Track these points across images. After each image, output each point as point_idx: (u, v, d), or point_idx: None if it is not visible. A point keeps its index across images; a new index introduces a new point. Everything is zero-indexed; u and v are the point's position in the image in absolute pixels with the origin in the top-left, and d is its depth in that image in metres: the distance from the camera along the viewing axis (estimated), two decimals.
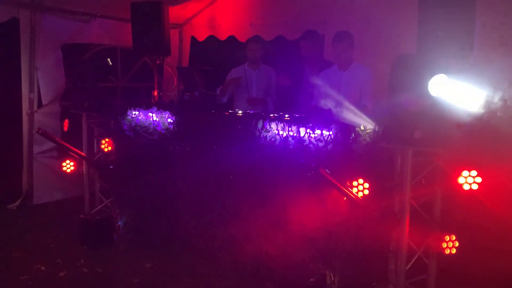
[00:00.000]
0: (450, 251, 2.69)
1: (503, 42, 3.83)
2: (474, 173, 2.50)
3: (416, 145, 2.62)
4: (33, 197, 4.98)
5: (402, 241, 2.77)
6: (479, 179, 2.49)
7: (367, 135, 3.00)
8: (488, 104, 3.00)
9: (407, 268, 2.83)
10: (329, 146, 2.89)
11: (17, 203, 4.91)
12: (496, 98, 3.11)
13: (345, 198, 2.78)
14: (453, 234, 2.65)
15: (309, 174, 2.64)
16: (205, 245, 3.59)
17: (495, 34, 3.85)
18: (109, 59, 4.14)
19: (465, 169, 2.52)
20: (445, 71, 2.74)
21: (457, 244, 2.65)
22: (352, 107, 3.80)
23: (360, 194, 2.77)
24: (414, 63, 2.88)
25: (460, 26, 3.12)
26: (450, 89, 2.57)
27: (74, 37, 5.07)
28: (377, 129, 2.90)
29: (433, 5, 3.22)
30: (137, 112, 3.91)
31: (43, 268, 3.58)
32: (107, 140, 4.04)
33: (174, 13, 5.41)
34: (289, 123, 3.14)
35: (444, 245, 2.67)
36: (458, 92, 2.67)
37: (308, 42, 4.42)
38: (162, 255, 3.77)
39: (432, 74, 2.63)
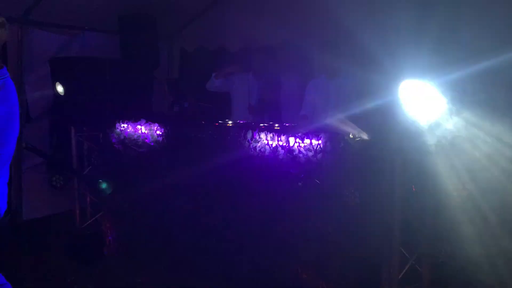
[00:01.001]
0: (443, 259, 2.68)
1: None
2: (465, 180, 2.50)
3: (405, 153, 2.62)
4: (22, 213, 4.91)
5: (394, 249, 2.76)
6: (470, 187, 2.49)
7: (356, 144, 3.00)
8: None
9: (400, 276, 2.82)
10: (319, 155, 2.89)
11: (6, 219, 4.84)
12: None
13: (335, 208, 2.77)
14: (445, 241, 2.65)
15: (300, 184, 2.64)
16: (197, 258, 3.56)
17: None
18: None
19: (456, 176, 2.52)
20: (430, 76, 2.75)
21: (448, 251, 2.64)
22: (340, 116, 3.81)
23: (351, 203, 2.77)
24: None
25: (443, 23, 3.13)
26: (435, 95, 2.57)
27: (62, 50, 5.04)
28: (366, 138, 2.90)
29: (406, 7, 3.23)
30: (125, 125, 3.89)
31: (32, 285, 3.52)
32: (96, 154, 4.01)
33: (163, 24, 5.41)
34: (279, 133, 3.13)
35: (437, 252, 2.66)
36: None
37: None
38: (154, 270, 3.72)
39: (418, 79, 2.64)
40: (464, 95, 2.69)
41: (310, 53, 4.45)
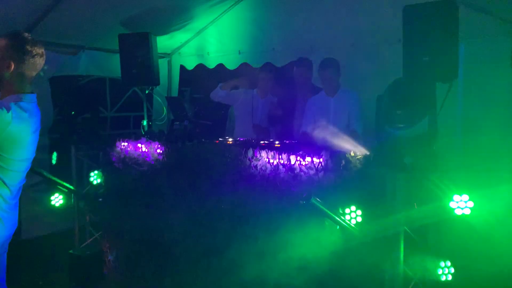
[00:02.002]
0: (446, 278, 2.66)
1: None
2: (465, 197, 2.50)
3: (406, 170, 2.62)
4: (21, 232, 4.87)
5: (398, 268, 2.74)
6: (471, 204, 2.48)
7: (358, 162, 3.00)
8: None
9: None
10: (320, 174, 2.88)
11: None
12: None
13: (338, 227, 2.75)
14: (448, 260, 2.63)
15: (302, 202, 2.62)
16: (198, 277, 3.52)
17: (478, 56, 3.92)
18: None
19: (457, 194, 2.51)
20: (431, 94, 2.77)
21: (452, 270, 2.62)
22: (342, 133, 3.82)
23: (353, 221, 2.75)
24: (401, 88, 2.91)
25: (445, 51, 3.17)
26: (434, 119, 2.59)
27: (62, 69, 5.06)
28: (367, 155, 2.90)
29: (417, 30, 3.28)
30: (126, 143, 3.88)
31: None
32: (96, 172, 3.99)
33: (162, 43, 5.44)
34: (279, 151, 3.13)
35: (440, 271, 2.64)
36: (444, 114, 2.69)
37: (302, 69, 4.44)
38: None
39: (419, 98, 2.65)
40: None
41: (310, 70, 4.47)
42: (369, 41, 4.50)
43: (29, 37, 2.33)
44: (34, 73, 2.39)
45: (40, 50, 2.34)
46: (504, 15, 3.79)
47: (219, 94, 4.69)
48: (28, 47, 2.30)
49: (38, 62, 2.35)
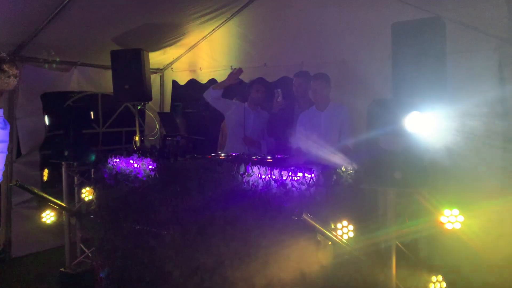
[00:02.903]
0: None
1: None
2: (456, 211, 2.52)
3: (397, 185, 2.63)
4: (11, 250, 4.82)
5: (390, 283, 2.74)
6: (461, 218, 2.50)
7: (349, 177, 3.02)
8: None
9: None
10: (312, 189, 2.89)
11: None
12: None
13: (330, 243, 2.75)
14: (439, 274, 2.64)
15: (294, 218, 2.63)
16: None
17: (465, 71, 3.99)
18: (92, 113, 4.14)
19: (447, 208, 2.53)
20: (420, 109, 2.80)
21: (444, 285, 2.63)
22: (333, 148, 3.84)
23: (345, 236, 2.76)
24: (389, 103, 2.94)
25: (433, 66, 3.23)
26: (425, 126, 2.61)
27: (53, 85, 5.07)
28: (358, 170, 2.92)
29: (406, 46, 3.34)
30: (118, 160, 3.88)
31: None
32: (87, 189, 3.97)
33: (154, 58, 5.48)
34: (271, 167, 3.14)
35: (431, 286, 2.65)
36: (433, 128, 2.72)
37: (301, 80, 4.46)
38: None
39: (407, 112, 2.68)
40: None
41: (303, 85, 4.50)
42: (359, 57, 4.56)
43: (7, 58, 2.42)
44: (4, 91, 2.48)
45: (15, 71, 2.44)
46: (490, 31, 3.86)
47: (211, 94, 4.69)
48: (5, 67, 2.38)
49: (12, 82, 2.43)
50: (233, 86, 4.90)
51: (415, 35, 3.28)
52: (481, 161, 3.65)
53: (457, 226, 2.50)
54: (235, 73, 4.74)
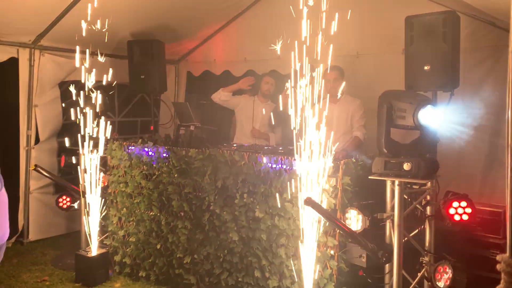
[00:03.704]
0: (445, 282, 2.69)
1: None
2: (464, 204, 2.55)
3: (406, 177, 2.67)
4: (29, 234, 4.96)
5: (397, 273, 2.78)
6: (469, 210, 2.53)
7: (359, 168, 3.06)
8: None
9: None
10: (322, 179, 2.94)
11: (12, 240, 4.89)
12: None
13: (337, 230, 2.80)
14: (446, 265, 2.67)
15: (304, 205, 2.68)
16: (201, 280, 3.58)
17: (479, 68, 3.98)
18: (106, 98, 4.21)
19: (455, 201, 2.56)
20: (432, 103, 2.83)
21: (451, 275, 2.66)
22: (344, 140, 3.88)
23: (354, 225, 2.81)
24: (403, 95, 2.96)
25: (446, 62, 3.24)
26: (439, 119, 2.63)
27: (71, 74, 5.17)
28: (368, 161, 2.96)
29: (419, 40, 3.35)
30: (133, 148, 3.97)
31: None
32: (103, 175, 4.07)
33: (170, 49, 5.54)
34: (282, 156, 3.20)
35: (438, 276, 2.68)
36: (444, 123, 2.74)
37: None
38: None
39: (423, 105, 2.70)
40: None
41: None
42: (374, 50, 4.56)
43: None
44: None
45: None
46: (506, 25, 3.84)
47: (220, 96, 4.77)
48: None
49: None
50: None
51: (429, 28, 3.28)
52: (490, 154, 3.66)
53: (465, 218, 2.54)
54: (247, 80, 4.80)
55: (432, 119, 2.60)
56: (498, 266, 0.67)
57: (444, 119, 2.67)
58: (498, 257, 0.67)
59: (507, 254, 0.65)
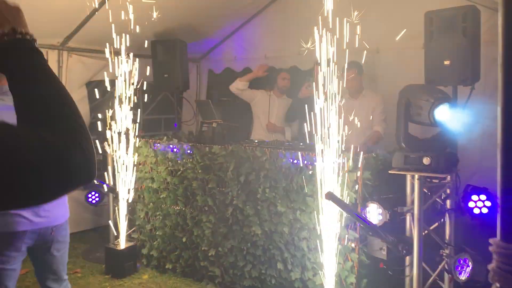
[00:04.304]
0: (465, 275, 2.73)
1: None
2: (483, 197, 2.58)
3: (425, 171, 2.72)
4: None
5: (417, 265, 2.84)
6: (488, 203, 2.56)
7: (379, 162, 3.12)
8: None
9: None
10: (342, 174, 3.01)
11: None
12: None
13: (358, 224, 2.87)
14: (466, 257, 2.71)
15: (325, 199, 2.76)
16: (225, 272, 3.70)
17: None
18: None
19: (475, 194, 2.60)
20: (451, 99, 2.85)
21: (471, 267, 2.70)
22: (365, 134, 3.93)
23: (374, 219, 2.87)
24: (421, 91, 2.99)
25: (466, 55, 3.25)
26: (455, 117, 2.67)
27: (97, 74, 5.35)
28: (388, 156, 3.01)
29: (438, 34, 3.36)
30: (159, 145, 4.11)
31: None
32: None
33: (192, 48, 5.66)
34: (303, 152, 3.28)
35: (459, 268, 2.72)
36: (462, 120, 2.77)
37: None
38: (185, 283, 3.88)
39: (439, 102, 2.74)
40: None
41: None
42: (394, 45, 4.57)
43: None
44: None
45: None
46: None
47: (237, 86, 4.87)
48: None
49: None
50: (261, 78, 5.05)
51: (449, 23, 3.30)
52: None
53: (484, 211, 2.57)
54: (262, 66, 4.88)
55: (448, 117, 2.63)
56: (490, 248, 0.75)
57: (462, 117, 2.70)
58: (491, 240, 0.74)
59: (498, 238, 0.73)
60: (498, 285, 0.75)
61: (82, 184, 0.88)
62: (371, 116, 4.16)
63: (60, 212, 2.59)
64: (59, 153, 0.81)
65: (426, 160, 2.69)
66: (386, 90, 4.30)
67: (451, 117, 2.61)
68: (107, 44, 3.98)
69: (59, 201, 2.57)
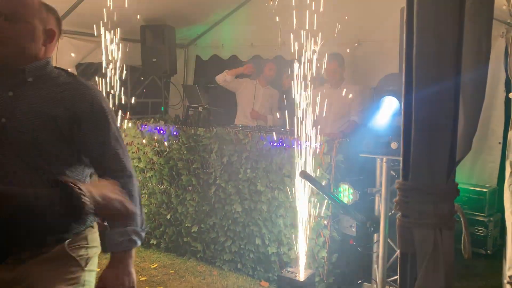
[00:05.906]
0: None
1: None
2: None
3: (393, 154, 2.96)
4: None
5: (383, 242, 3.09)
6: None
7: (352, 147, 3.35)
8: None
9: (388, 266, 3.15)
10: (317, 156, 3.24)
11: None
12: None
13: (330, 202, 3.11)
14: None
15: (300, 177, 2.99)
16: (207, 247, 3.92)
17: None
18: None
19: None
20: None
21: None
22: (342, 122, 4.16)
23: (346, 199, 3.11)
24: (395, 82, 3.23)
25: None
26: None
27: (87, 56, 5.47)
28: (359, 141, 3.25)
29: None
30: (146, 126, 4.28)
31: None
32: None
33: (180, 34, 5.82)
34: (282, 135, 3.50)
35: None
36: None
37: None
38: (168, 257, 4.09)
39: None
40: None
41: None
42: (374, 38, 4.81)
43: None
44: None
45: None
46: (500, 15, 4.04)
47: (224, 78, 5.05)
48: None
49: None
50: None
51: None
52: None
53: None
54: (250, 66, 5.08)
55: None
56: (395, 186, 0.95)
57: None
58: (396, 182, 0.94)
59: (401, 179, 0.94)
60: (400, 213, 0.98)
61: None
62: (349, 107, 4.38)
63: None
64: None
65: (393, 145, 2.92)
66: (363, 80, 4.54)
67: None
68: (95, 26, 4.10)
69: None
